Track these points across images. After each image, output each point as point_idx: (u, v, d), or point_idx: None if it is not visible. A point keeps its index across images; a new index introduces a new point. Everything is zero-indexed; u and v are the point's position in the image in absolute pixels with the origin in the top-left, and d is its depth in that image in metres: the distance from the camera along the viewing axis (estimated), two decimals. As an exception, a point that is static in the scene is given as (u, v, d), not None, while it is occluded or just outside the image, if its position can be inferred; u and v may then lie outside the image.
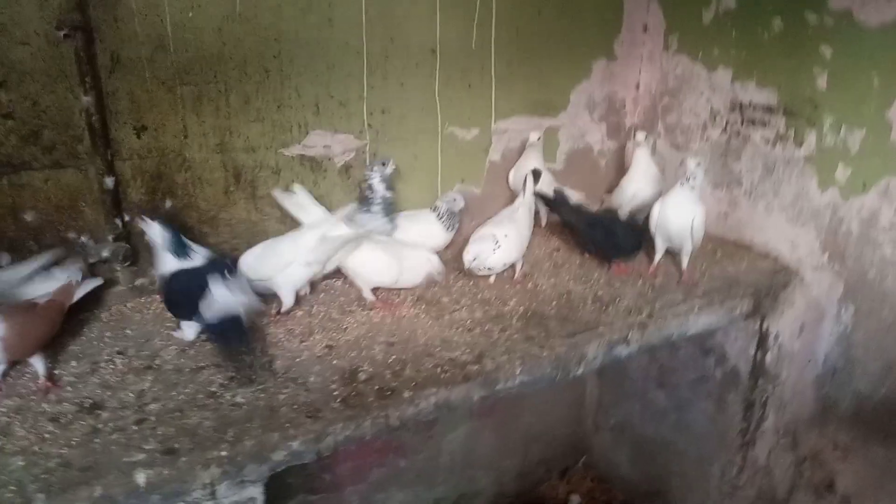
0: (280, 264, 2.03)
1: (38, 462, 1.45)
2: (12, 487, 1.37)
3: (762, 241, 2.64)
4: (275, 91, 2.22)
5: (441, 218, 2.39)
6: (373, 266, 2.15)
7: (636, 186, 2.66)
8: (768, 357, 2.48)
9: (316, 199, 2.24)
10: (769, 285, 2.39)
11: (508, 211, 2.42)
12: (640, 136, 2.71)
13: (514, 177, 2.71)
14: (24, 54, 1.88)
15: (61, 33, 1.90)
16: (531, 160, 2.65)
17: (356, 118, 2.40)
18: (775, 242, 2.59)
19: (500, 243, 2.23)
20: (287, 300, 2.07)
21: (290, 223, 2.27)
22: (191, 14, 2.04)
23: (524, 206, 2.41)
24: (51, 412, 1.63)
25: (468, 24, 2.51)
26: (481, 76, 2.61)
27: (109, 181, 2.06)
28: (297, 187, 2.24)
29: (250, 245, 2.12)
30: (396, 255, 2.16)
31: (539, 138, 2.69)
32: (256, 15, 2.13)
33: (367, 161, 2.44)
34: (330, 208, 2.25)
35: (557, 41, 2.73)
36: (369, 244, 2.15)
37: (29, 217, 2.00)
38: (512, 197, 2.66)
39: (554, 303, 2.21)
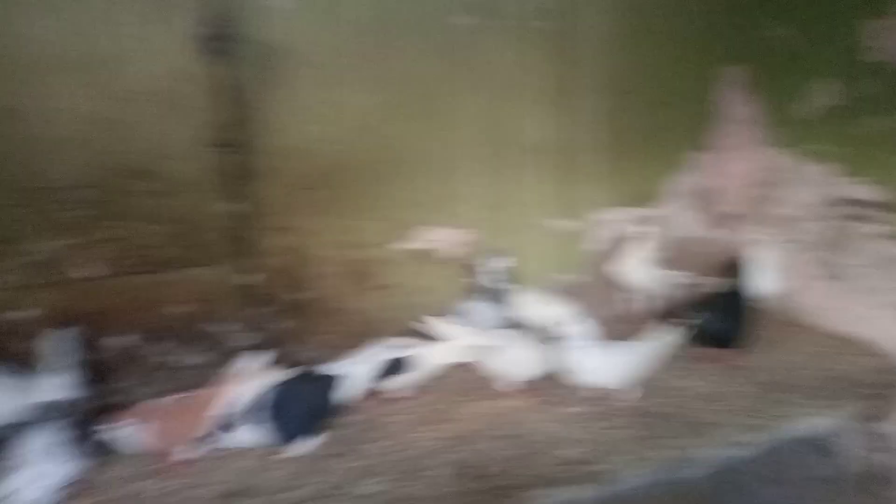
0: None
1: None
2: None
3: (868, 337, 2.60)
4: (394, 191, 2.40)
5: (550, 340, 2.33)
6: (517, 361, 2.24)
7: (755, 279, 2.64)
8: (882, 459, 2.40)
9: (423, 290, 2.37)
10: (880, 384, 2.35)
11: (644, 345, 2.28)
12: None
13: (616, 267, 2.78)
14: (177, 167, 2.12)
15: (213, 148, 2.13)
16: (632, 251, 2.72)
17: (466, 213, 2.54)
18: (884, 339, 2.55)
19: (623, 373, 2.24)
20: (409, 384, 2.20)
21: (411, 311, 2.38)
22: (328, 128, 2.24)
23: (656, 344, 2.28)
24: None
25: (569, 122, 2.64)
26: (580, 170, 2.72)
27: (246, 278, 2.26)
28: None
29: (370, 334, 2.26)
30: (530, 348, 2.24)
31: (639, 229, 2.76)
32: (382, 125, 2.32)
33: (477, 254, 2.56)
34: (441, 299, 2.38)
35: (654, 134, 2.82)
36: (511, 340, 2.24)
37: (173, 310, 2.21)
38: (610, 286, 2.72)
39: (661, 400, 2.24)
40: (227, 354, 2.26)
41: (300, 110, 2.21)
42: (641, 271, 2.66)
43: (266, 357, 2.07)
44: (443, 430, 2.08)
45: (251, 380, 1.99)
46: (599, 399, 2.24)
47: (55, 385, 1.86)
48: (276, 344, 2.31)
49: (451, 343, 2.23)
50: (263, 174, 2.22)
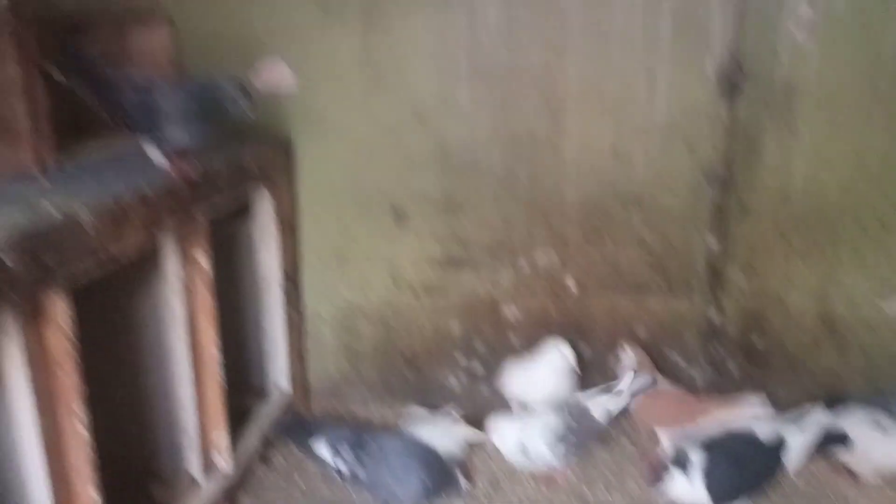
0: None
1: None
2: None
3: None
4: (888, 244, 2.19)
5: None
6: None
7: None
8: None
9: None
10: None
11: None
12: None
13: None
14: (671, 199, 2.21)
15: (708, 183, 2.18)
16: None
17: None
18: None
19: None
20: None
21: (883, 380, 2.18)
22: (827, 171, 2.14)
23: None
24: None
25: None
26: None
27: (715, 315, 2.28)
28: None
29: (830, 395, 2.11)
30: None
31: None
32: (887, 172, 2.14)
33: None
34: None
35: None
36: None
37: (640, 332, 2.32)
38: None
39: None
40: (686, 384, 2.32)
41: (802, 151, 2.14)
42: None
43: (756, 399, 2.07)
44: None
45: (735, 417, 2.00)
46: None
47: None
48: (730, 386, 2.30)
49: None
50: (751, 213, 2.20)
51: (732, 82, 2.09)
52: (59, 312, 1.29)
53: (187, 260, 1.72)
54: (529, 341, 2.32)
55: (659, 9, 2.05)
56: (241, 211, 2.11)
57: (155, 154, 1.64)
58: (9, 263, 1.13)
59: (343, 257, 2.34)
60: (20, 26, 1.56)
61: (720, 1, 2.03)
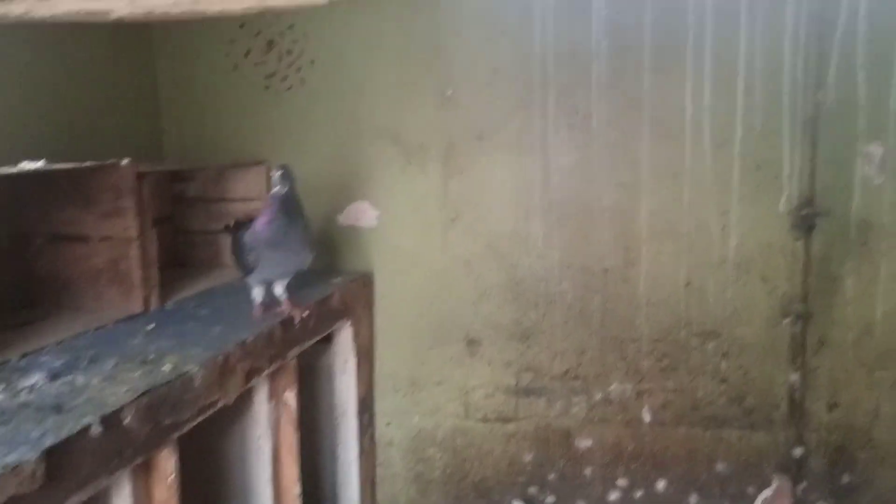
0: None
1: None
2: None
3: None
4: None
5: None
6: None
7: None
8: None
9: None
10: None
11: None
12: None
13: None
14: (748, 332, 2.20)
15: (785, 317, 2.17)
16: None
17: None
18: None
19: None
20: None
21: None
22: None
23: None
24: None
25: None
26: None
27: (797, 450, 2.21)
28: None
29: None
30: None
31: None
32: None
33: None
34: None
35: None
36: None
37: (720, 467, 2.26)
38: None
39: None
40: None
41: (881, 284, 2.12)
42: None
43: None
44: None
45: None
46: None
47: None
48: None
49: None
50: (831, 345, 2.17)
51: (806, 219, 2.12)
52: (167, 464, 1.35)
53: (276, 400, 1.78)
54: (604, 473, 2.28)
55: (729, 152, 2.12)
56: (323, 341, 2.19)
57: (259, 293, 1.73)
58: (132, 425, 1.20)
59: (416, 384, 2.38)
60: (139, 183, 1.71)
61: (790, 143, 2.09)
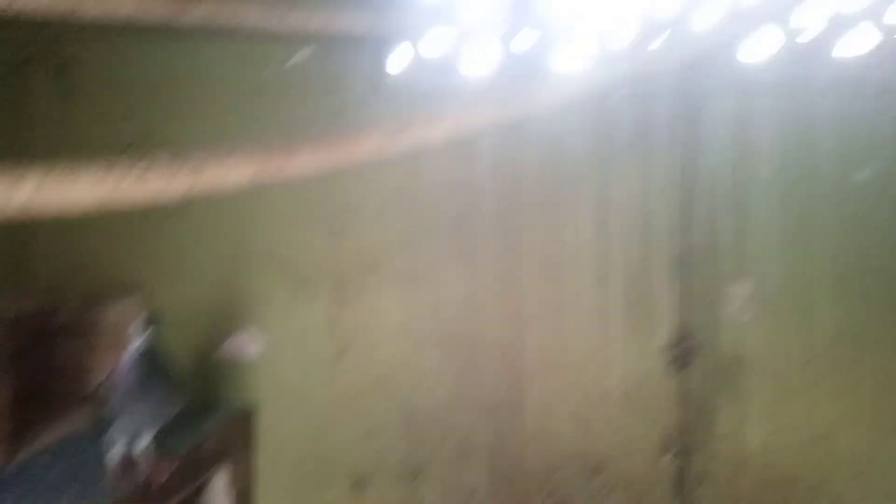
0: None
1: None
2: None
3: None
4: (843, 512, 2.21)
5: None
6: None
7: None
8: None
9: None
10: None
11: None
12: None
13: None
14: (632, 466, 2.22)
15: (664, 452, 2.21)
16: None
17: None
18: None
19: None
20: None
21: None
22: (778, 438, 2.21)
23: None
24: None
25: None
26: None
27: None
28: None
29: None
30: None
31: None
32: (840, 438, 2.20)
33: None
34: None
35: None
36: None
37: None
38: None
39: None
40: None
41: (753, 419, 2.21)
42: None
43: None
44: None
45: None
46: None
47: None
48: None
49: None
50: (709, 479, 2.22)
51: (682, 354, 2.21)
52: None
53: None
54: None
55: (607, 285, 2.21)
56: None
57: (119, 448, 1.59)
58: None
59: (298, 530, 2.23)
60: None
61: (663, 281, 2.20)
